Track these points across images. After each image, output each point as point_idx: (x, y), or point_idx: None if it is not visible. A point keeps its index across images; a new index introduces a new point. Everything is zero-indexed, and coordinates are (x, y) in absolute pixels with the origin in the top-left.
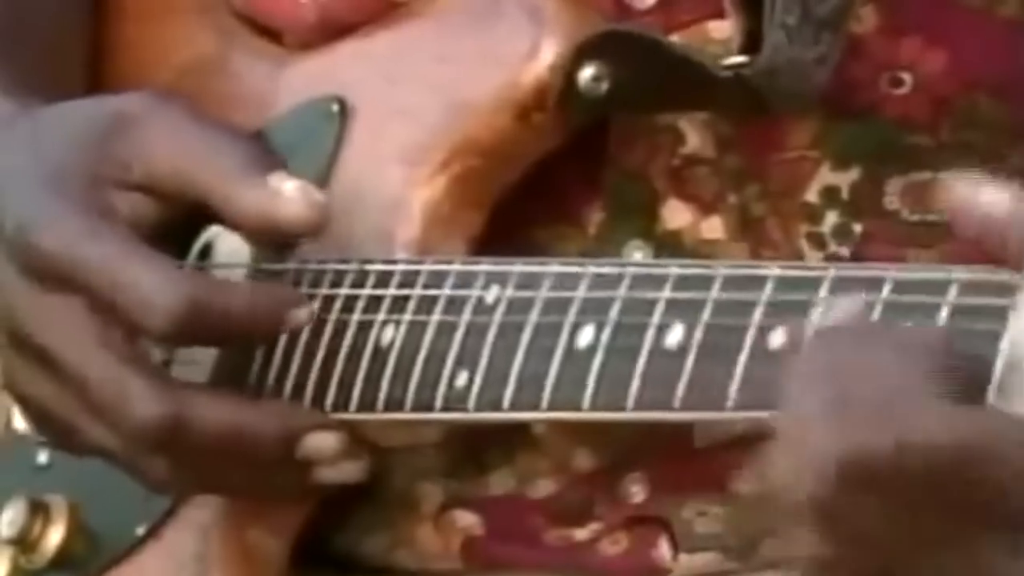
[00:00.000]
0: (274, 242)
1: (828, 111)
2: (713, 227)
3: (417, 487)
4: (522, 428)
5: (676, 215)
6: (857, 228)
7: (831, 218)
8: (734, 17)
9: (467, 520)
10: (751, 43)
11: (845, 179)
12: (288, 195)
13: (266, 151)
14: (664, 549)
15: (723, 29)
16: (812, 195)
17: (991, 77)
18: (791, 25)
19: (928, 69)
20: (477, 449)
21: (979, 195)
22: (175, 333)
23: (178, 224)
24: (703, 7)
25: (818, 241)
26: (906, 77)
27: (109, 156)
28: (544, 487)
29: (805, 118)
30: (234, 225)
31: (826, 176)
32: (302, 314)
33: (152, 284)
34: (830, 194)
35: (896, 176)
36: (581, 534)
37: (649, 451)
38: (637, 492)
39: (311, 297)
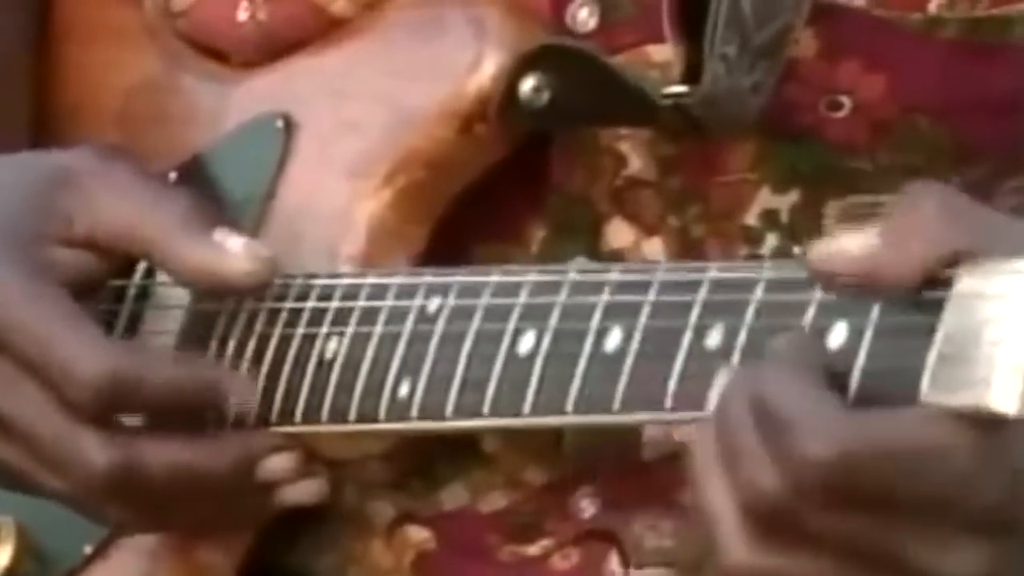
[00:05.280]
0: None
1: (768, 134)
2: (654, 248)
3: (368, 503)
4: (473, 444)
5: (619, 235)
6: (796, 251)
7: (771, 240)
8: (674, 47)
9: (419, 536)
10: (690, 71)
11: (784, 202)
12: (233, 251)
13: (209, 207)
14: (615, 564)
15: (663, 52)
16: (752, 218)
17: (931, 100)
18: (730, 55)
19: (867, 93)
20: (428, 464)
21: (839, 245)
22: (96, 406)
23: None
24: (643, 31)
25: None
26: (845, 101)
27: (52, 212)
28: (496, 501)
29: (745, 141)
30: (179, 281)
31: (766, 199)
32: (241, 393)
33: (75, 356)
34: (769, 217)
35: (835, 199)
36: (532, 550)
37: (599, 466)
38: (587, 507)
39: (254, 312)
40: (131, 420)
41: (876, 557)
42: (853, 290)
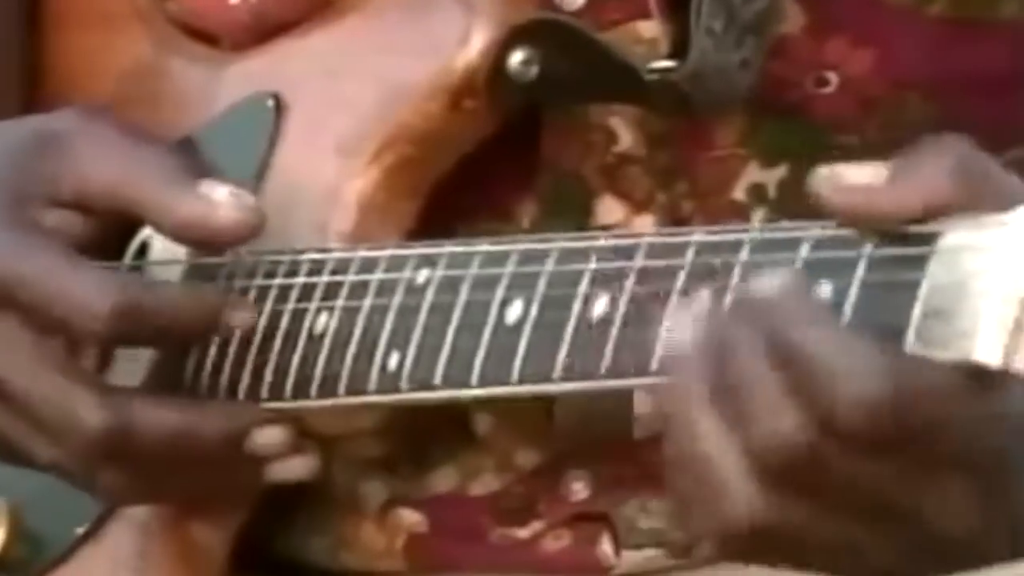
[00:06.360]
0: (210, 248)
1: (755, 109)
2: (645, 224)
3: (360, 486)
4: (464, 426)
5: (610, 211)
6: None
7: (759, 215)
8: (661, 22)
9: (411, 519)
10: (678, 47)
11: (772, 177)
12: (221, 201)
13: (195, 159)
14: (607, 546)
15: (651, 29)
16: (740, 193)
17: (920, 77)
18: (716, 31)
19: (854, 69)
20: (420, 446)
21: (847, 178)
22: (108, 335)
23: (112, 228)
24: (632, 7)
25: None
26: (832, 77)
27: (38, 174)
28: (487, 484)
29: (733, 116)
30: (170, 235)
31: (753, 174)
32: (242, 316)
33: (83, 288)
34: (757, 192)
35: None
36: (524, 532)
37: (590, 448)
38: (580, 489)
39: (245, 289)
40: (126, 382)
41: (892, 506)
42: (844, 217)
